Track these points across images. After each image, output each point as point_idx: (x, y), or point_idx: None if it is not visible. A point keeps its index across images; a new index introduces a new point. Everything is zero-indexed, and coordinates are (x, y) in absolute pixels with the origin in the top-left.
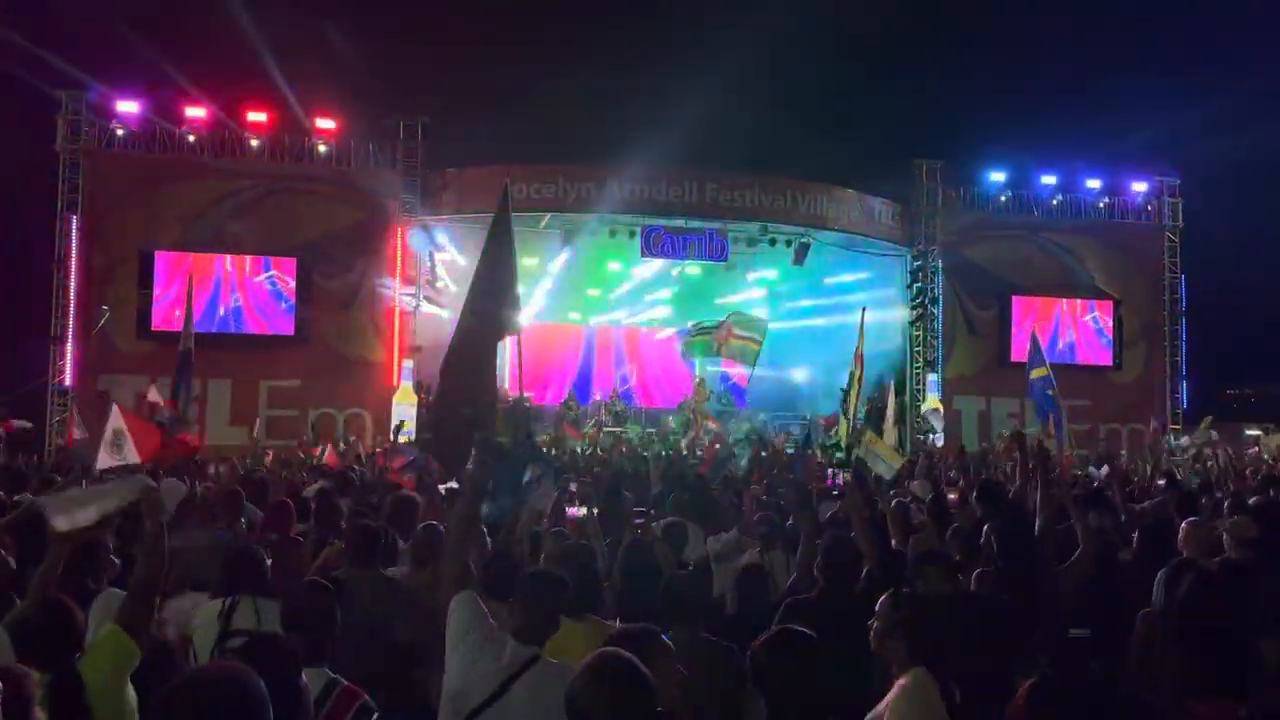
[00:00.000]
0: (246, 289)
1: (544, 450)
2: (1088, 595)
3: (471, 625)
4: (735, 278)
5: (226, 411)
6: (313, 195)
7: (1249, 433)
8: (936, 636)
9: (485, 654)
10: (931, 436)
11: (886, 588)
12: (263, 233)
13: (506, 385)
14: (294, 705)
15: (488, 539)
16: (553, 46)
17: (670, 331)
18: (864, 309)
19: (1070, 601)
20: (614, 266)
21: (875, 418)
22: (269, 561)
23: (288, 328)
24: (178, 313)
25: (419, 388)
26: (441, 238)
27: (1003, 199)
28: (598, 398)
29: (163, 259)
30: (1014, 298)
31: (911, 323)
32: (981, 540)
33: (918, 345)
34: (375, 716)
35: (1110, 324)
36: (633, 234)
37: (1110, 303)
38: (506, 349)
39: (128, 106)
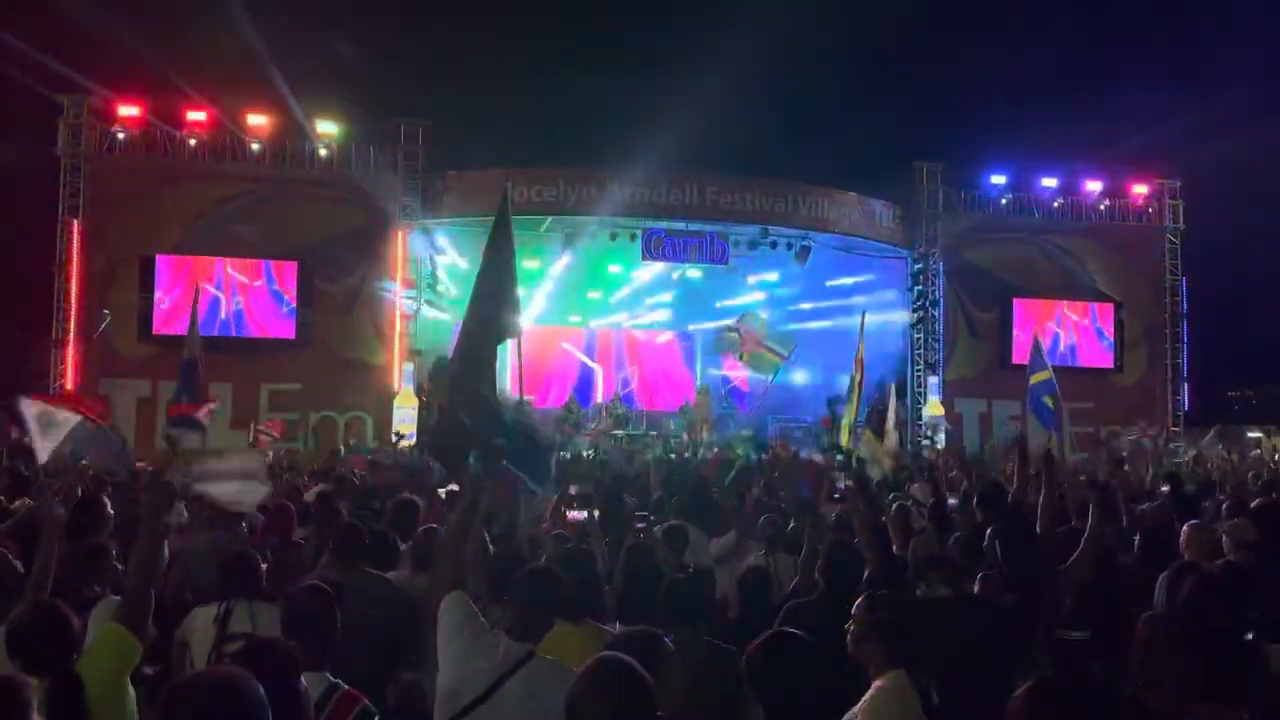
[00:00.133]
0: (247, 292)
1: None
2: (1089, 598)
3: (463, 624)
4: (736, 281)
5: (227, 415)
6: (313, 199)
7: (1250, 435)
8: (940, 639)
9: (477, 652)
10: (936, 438)
11: (888, 590)
12: (263, 236)
13: (507, 388)
14: (293, 710)
15: (489, 542)
16: (554, 49)
17: (671, 334)
18: (864, 314)
19: (1071, 603)
20: (615, 269)
21: (876, 420)
22: (264, 566)
23: (288, 331)
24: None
25: (420, 391)
26: (442, 241)
27: (1004, 201)
28: (599, 400)
29: (164, 262)
30: (1015, 300)
31: (912, 325)
32: (984, 544)
33: (919, 348)
34: None
35: (1111, 326)
36: (634, 237)
37: (1111, 305)
38: (507, 352)
39: (129, 110)
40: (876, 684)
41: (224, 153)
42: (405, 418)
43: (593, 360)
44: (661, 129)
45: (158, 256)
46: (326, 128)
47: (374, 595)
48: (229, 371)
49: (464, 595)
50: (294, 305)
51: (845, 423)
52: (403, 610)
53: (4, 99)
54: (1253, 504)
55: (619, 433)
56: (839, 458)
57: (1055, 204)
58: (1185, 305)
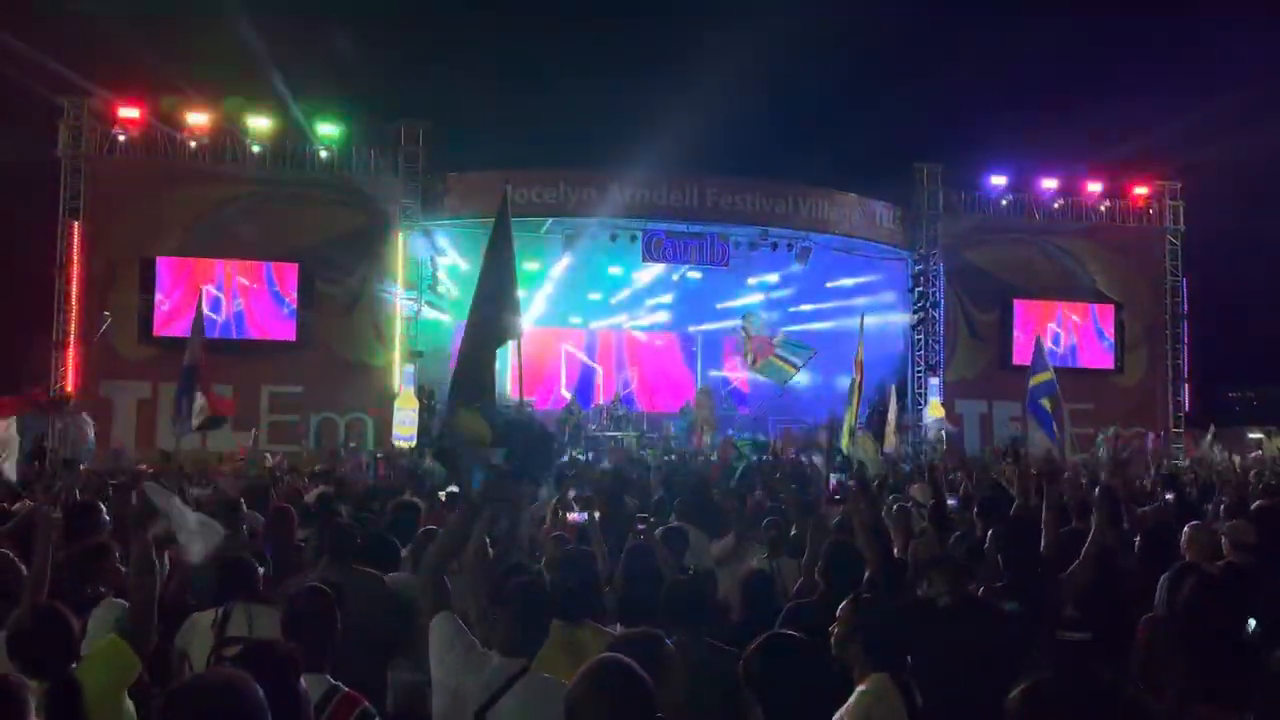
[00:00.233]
0: (248, 294)
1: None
2: (1090, 599)
3: (452, 643)
4: (736, 282)
5: (228, 418)
6: (314, 200)
7: (1251, 436)
8: (940, 642)
9: (467, 671)
10: (940, 433)
11: (888, 592)
12: (264, 238)
13: (508, 390)
14: (293, 712)
15: (489, 547)
16: (554, 51)
17: (671, 336)
18: (862, 316)
19: (1072, 605)
20: (615, 271)
21: (877, 422)
22: (262, 570)
23: (289, 333)
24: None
25: (420, 392)
26: (443, 242)
27: (1004, 202)
28: (600, 402)
29: (164, 264)
30: (1015, 301)
31: (913, 326)
32: (985, 545)
33: (919, 349)
34: None
35: (1112, 327)
36: (634, 238)
37: (1112, 306)
38: (507, 353)
39: (129, 112)
40: (860, 687)
41: (224, 154)
42: (406, 419)
43: (593, 360)
44: (661, 130)
45: (158, 258)
46: (327, 129)
47: (369, 595)
48: (229, 373)
49: (450, 614)
50: (294, 307)
51: (846, 425)
52: (398, 610)
53: (4, 100)
54: (1254, 504)
55: (618, 434)
56: (838, 459)
57: (1055, 205)
58: (1185, 306)
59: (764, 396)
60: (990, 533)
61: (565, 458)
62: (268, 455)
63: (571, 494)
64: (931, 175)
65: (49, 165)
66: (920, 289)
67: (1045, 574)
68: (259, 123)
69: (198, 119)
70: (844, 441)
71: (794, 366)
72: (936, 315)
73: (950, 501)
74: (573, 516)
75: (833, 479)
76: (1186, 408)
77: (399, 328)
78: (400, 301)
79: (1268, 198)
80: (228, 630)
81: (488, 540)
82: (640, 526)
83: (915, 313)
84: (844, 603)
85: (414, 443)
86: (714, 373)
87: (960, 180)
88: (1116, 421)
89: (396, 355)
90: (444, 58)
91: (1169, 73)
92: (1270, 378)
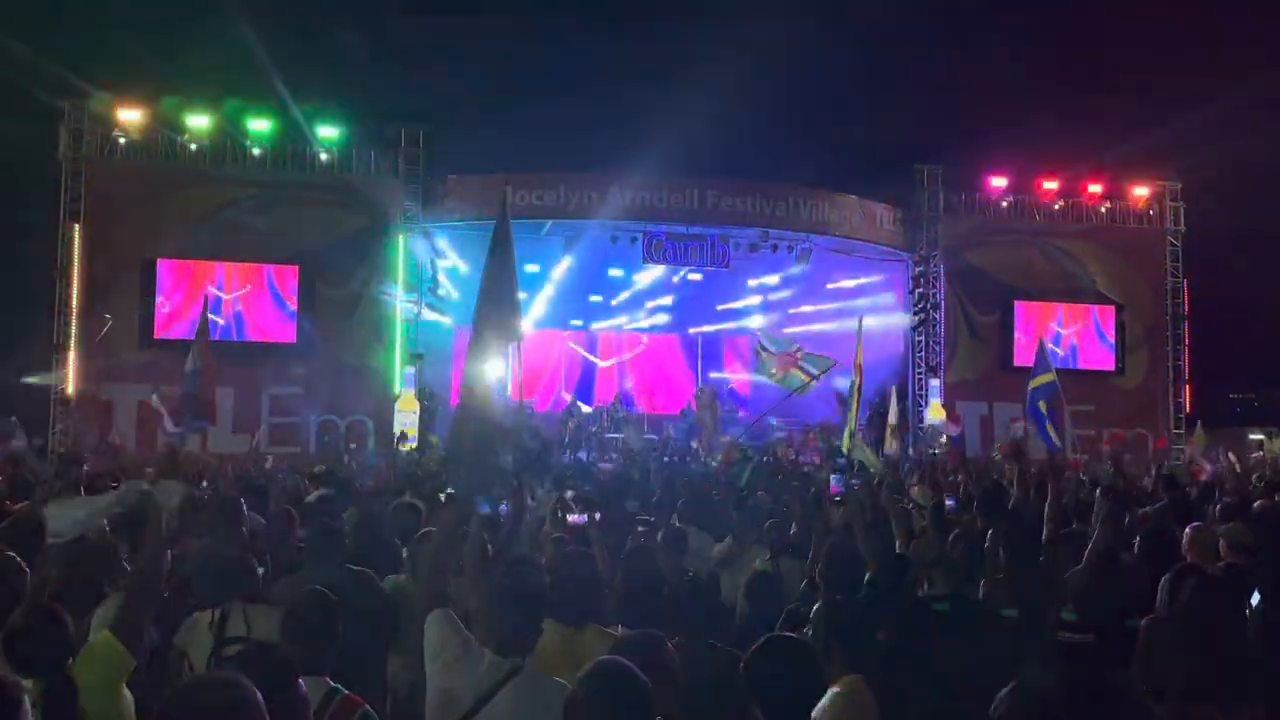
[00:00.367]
0: (248, 297)
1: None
2: (1090, 601)
3: (446, 642)
4: (736, 284)
5: (229, 419)
6: (314, 202)
7: (1252, 437)
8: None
9: (460, 670)
10: (943, 438)
11: (889, 593)
12: (264, 240)
13: (509, 392)
14: (292, 714)
15: (488, 545)
16: (554, 53)
17: (672, 337)
18: (861, 318)
19: (1072, 606)
20: (615, 273)
21: (878, 423)
22: (261, 570)
23: (289, 335)
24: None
25: (421, 394)
26: (443, 244)
27: (1004, 204)
28: (600, 403)
29: (165, 267)
30: (1016, 302)
31: (913, 328)
32: (986, 546)
33: (920, 350)
34: None
35: (1112, 328)
36: (634, 240)
37: (1112, 307)
38: (508, 356)
39: (130, 114)
40: (833, 689)
41: (225, 157)
42: (406, 421)
43: (595, 356)
44: (661, 132)
45: (158, 260)
46: (327, 132)
47: (360, 595)
48: (230, 376)
49: (445, 613)
50: (295, 309)
51: (846, 427)
52: (391, 609)
53: (5, 102)
54: (1255, 505)
55: (618, 435)
56: (839, 460)
57: (1056, 206)
58: (1186, 307)
59: (764, 398)
60: (990, 532)
61: (567, 458)
62: (269, 457)
63: (569, 494)
64: (932, 176)
65: (50, 167)
66: (920, 290)
67: (1045, 569)
68: (259, 125)
69: (198, 121)
70: (844, 443)
71: (811, 376)
72: (937, 317)
73: (949, 503)
74: (573, 518)
75: (833, 480)
76: (1187, 409)
77: (399, 330)
78: (400, 304)
79: (1268, 198)
80: (226, 630)
81: (486, 539)
82: (641, 528)
83: (916, 314)
84: (817, 605)
85: (414, 444)
86: (714, 374)
87: (960, 181)
88: (1118, 423)
89: (397, 357)
90: (444, 60)
91: (1169, 73)
92: (1271, 379)
